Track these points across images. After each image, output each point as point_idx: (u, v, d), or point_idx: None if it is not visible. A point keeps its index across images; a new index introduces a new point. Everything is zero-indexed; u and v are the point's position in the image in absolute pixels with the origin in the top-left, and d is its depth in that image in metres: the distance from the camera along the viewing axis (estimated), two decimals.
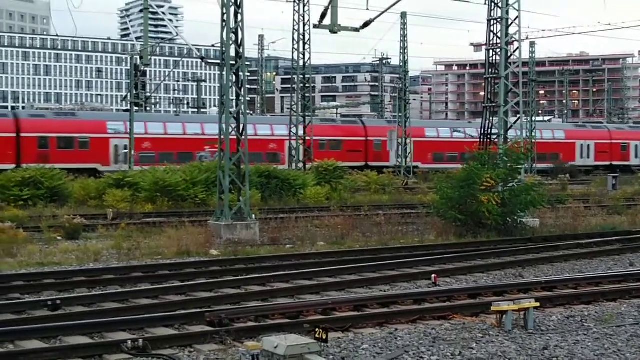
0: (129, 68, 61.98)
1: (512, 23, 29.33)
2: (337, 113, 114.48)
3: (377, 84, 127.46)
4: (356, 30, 30.91)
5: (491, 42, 29.46)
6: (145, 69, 52.64)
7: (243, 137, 25.57)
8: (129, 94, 51.55)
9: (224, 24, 25.22)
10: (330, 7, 29.65)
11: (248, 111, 34.54)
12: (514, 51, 29.79)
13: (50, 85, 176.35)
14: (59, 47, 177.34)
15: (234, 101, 26.02)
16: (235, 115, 25.63)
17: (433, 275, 17.30)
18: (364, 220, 27.77)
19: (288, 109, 60.56)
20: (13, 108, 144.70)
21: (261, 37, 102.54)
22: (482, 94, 34.07)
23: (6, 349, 11.16)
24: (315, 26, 30.81)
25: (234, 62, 25.46)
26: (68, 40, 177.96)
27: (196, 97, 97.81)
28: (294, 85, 52.80)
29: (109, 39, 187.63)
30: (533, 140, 63.08)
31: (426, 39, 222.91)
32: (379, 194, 44.21)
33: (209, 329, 12.13)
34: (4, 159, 49.46)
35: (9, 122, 54.17)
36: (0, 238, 21.64)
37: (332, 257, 20.42)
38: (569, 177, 62.42)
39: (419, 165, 63.22)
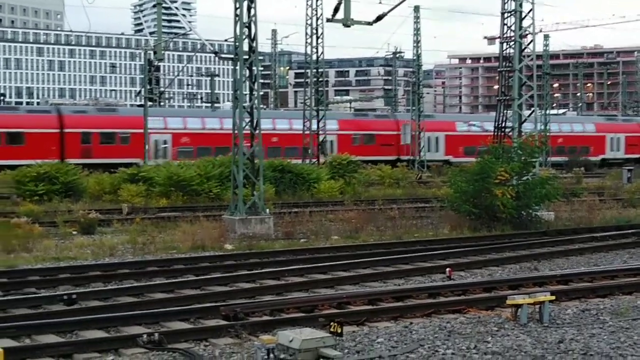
0: (142, 63, 62.12)
1: (526, 16, 29.18)
2: (350, 107, 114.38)
3: (390, 78, 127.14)
4: (369, 24, 30.87)
5: (505, 35, 29.34)
6: (159, 64, 52.75)
7: (257, 132, 25.59)
8: (142, 89, 51.68)
9: (237, 18, 25.22)
10: (343, 1, 29.60)
11: (262, 106, 34.54)
12: (528, 44, 29.65)
13: (65, 81, 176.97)
14: (73, 43, 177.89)
15: (248, 96, 26.02)
16: (249, 110, 25.65)
17: (447, 269, 17.27)
18: (378, 214, 27.75)
19: (301, 103, 60.53)
20: (28, 103, 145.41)
21: (274, 31, 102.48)
22: (496, 87, 33.97)
23: (23, 343, 11.23)
24: (328, 20, 30.78)
25: (247, 57, 25.48)
26: (82, 35, 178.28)
27: (210, 91, 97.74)
28: (307, 80, 52.77)
29: (122, 34, 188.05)
30: (561, 134, 63.65)
31: (439, 33, 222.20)
32: (393, 188, 44.15)
33: (224, 322, 12.17)
34: (49, 154, 50.31)
35: (53, 118, 55.04)
36: (16, 233, 21.75)
37: (346, 251, 20.42)
38: (583, 170, 62.16)
39: (450, 159, 63.46)
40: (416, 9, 60.87)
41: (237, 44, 25.33)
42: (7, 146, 51.60)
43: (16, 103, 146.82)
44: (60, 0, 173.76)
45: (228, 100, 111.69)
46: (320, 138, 52.28)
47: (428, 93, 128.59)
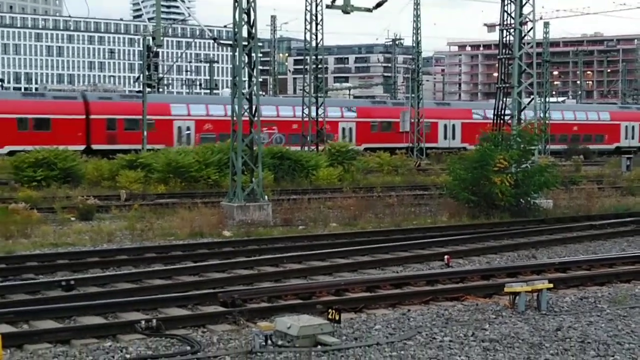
0: (141, 49, 62.01)
1: (526, 3, 29.08)
2: (349, 94, 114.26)
3: (389, 65, 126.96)
4: (369, 10, 30.83)
5: (505, 23, 29.25)
6: (158, 50, 52.58)
7: (256, 119, 25.55)
8: (141, 75, 51.60)
9: (236, 4, 25.14)
10: None
11: (261, 92, 34.40)
12: (528, 31, 29.56)
13: (63, 67, 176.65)
14: (72, 28, 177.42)
15: (247, 82, 25.97)
16: (248, 97, 25.60)
17: (446, 257, 17.29)
18: (377, 202, 27.74)
19: (300, 90, 60.56)
20: (26, 89, 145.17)
21: (273, 17, 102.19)
22: (495, 74, 33.91)
23: (21, 329, 11.24)
24: (327, 6, 30.79)
25: (246, 43, 25.41)
26: (80, 21, 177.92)
27: (208, 78, 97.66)
28: (306, 66, 52.66)
29: (121, 20, 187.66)
30: (576, 122, 64.44)
31: (439, 20, 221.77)
32: (392, 175, 44.17)
33: (222, 309, 12.17)
34: (75, 140, 51.11)
35: (80, 104, 55.39)
36: (14, 219, 21.73)
37: (344, 238, 20.42)
38: (582, 158, 62.23)
39: (467, 147, 63.88)
40: None
41: (236, 30, 25.26)
42: (34, 132, 51.92)
43: (14, 88, 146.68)
44: None
45: (227, 87, 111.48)
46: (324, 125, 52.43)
47: (427, 80, 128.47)
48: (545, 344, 10.43)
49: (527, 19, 29.43)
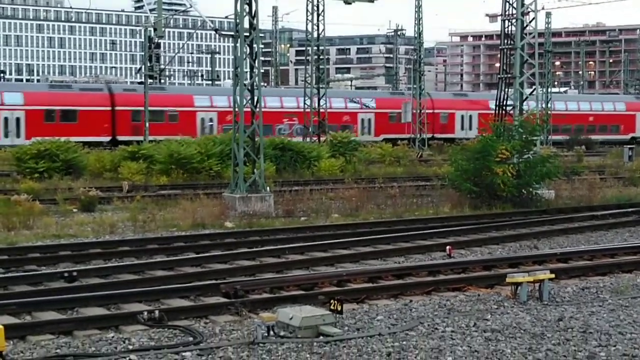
0: (142, 40, 62.02)
1: None
2: (351, 85, 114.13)
3: (391, 55, 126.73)
4: (370, 1, 30.73)
5: (507, 13, 29.18)
6: (159, 41, 52.67)
7: (257, 110, 25.53)
8: (143, 66, 51.58)
9: None
10: None
11: (263, 83, 34.38)
12: (530, 21, 29.48)
13: (65, 58, 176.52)
14: (73, 20, 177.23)
15: (248, 73, 25.94)
16: (249, 88, 25.58)
17: (448, 247, 17.29)
18: (379, 192, 27.75)
19: (302, 80, 60.59)
20: (28, 81, 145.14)
21: (275, 8, 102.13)
22: (497, 65, 33.82)
23: (23, 320, 11.27)
24: None
25: (247, 34, 25.37)
26: (82, 12, 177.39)
27: (210, 69, 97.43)
28: (308, 57, 52.60)
29: (122, 11, 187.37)
30: (592, 112, 68.75)
31: (441, 10, 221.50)
32: (394, 166, 44.15)
33: (224, 300, 12.19)
34: (101, 132, 51.77)
35: (105, 96, 55.96)
36: (16, 210, 21.76)
37: (346, 229, 20.44)
38: (584, 149, 62.22)
39: None
40: None
41: (237, 21, 25.21)
42: (61, 123, 52.48)
43: (16, 80, 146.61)
44: None
45: (228, 78, 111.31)
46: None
47: (429, 71, 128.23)
48: (547, 334, 10.45)
49: (529, 9, 29.35)
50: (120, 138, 53.08)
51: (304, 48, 60.67)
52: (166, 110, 56.29)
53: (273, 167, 35.35)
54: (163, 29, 49.64)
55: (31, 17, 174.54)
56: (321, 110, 50.48)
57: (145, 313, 11.05)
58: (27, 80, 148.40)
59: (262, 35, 41.08)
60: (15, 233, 19.65)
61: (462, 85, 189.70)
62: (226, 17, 45.73)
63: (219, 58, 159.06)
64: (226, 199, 24.91)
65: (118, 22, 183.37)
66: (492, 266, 15.30)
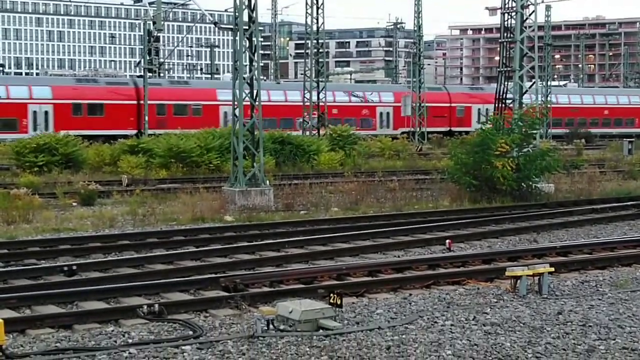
0: (142, 34, 61.99)
1: None
2: (350, 79, 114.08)
3: (391, 49, 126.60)
4: None
5: (506, 6, 29.15)
6: (159, 34, 52.69)
7: (257, 103, 25.51)
8: (142, 60, 51.58)
9: None
10: None
11: (262, 77, 34.39)
12: (530, 15, 29.45)
13: (64, 51, 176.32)
14: (72, 13, 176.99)
15: (247, 67, 25.91)
16: (248, 81, 25.56)
17: (447, 241, 17.29)
18: (378, 186, 27.75)
19: (302, 74, 60.59)
20: (27, 74, 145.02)
21: (274, 1, 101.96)
22: (497, 58, 33.81)
23: (23, 314, 11.27)
24: None
25: (247, 27, 25.34)
26: (81, 5, 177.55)
27: (209, 62, 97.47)
28: (307, 51, 52.55)
29: (122, 4, 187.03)
30: (607, 106, 72.03)
31: (440, 3, 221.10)
32: (393, 160, 44.17)
33: (224, 294, 12.19)
34: (127, 125, 52.55)
35: (131, 90, 56.61)
36: (15, 204, 21.76)
37: (346, 222, 20.43)
38: (584, 142, 62.26)
39: None
40: None
41: (236, 14, 25.18)
42: (88, 117, 53.55)
43: (15, 74, 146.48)
44: None
45: (228, 72, 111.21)
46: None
47: (429, 64, 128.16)
48: (546, 328, 10.46)
49: (529, 2, 29.32)
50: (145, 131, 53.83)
51: (303, 41, 60.68)
52: (190, 104, 57.22)
53: (273, 161, 35.36)
54: (162, 23, 49.68)
55: (30, 11, 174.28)
56: (321, 104, 50.46)
57: (145, 307, 11.05)
58: (27, 73, 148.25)
59: (261, 28, 41.05)
60: (15, 227, 19.65)
61: (461, 79, 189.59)
62: (225, 11, 45.63)
63: (219, 51, 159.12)
64: (226, 192, 24.91)
65: (117, 15, 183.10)
66: (492, 260, 15.29)
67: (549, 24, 72.25)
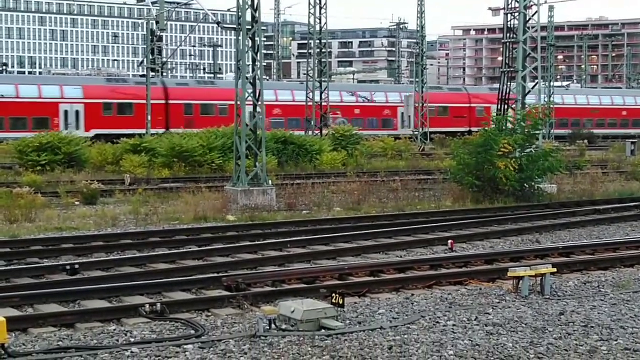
0: (145, 33, 62.05)
1: None
2: (353, 79, 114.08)
3: (393, 49, 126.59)
4: None
5: (509, 6, 29.15)
6: (161, 34, 52.63)
7: (259, 103, 25.52)
8: (145, 59, 51.63)
9: None
10: None
11: (265, 77, 34.47)
12: (532, 15, 29.45)
13: (67, 50, 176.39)
14: (75, 12, 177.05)
15: (250, 66, 25.92)
16: (251, 81, 25.56)
17: (449, 241, 17.29)
18: (380, 186, 27.75)
19: (304, 74, 60.65)
20: (30, 73, 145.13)
21: (277, 1, 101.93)
22: (499, 58, 33.79)
23: (25, 313, 11.28)
24: None
25: (249, 27, 25.34)
26: (84, 4, 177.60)
27: (212, 62, 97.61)
28: (310, 51, 52.57)
29: (124, 3, 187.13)
30: (625, 107, 74.14)
31: (443, 3, 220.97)
32: (396, 160, 44.16)
33: (226, 293, 12.20)
34: (156, 124, 53.05)
35: (160, 89, 57.36)
36: (18, 203, 21.78)
37: (348, 222, 20.43)
38: (586, 143, 62.24)
39: None
40: None
41: (239, 13, 25.19)
42: (118, 116, 54.77)
43: (18, 72, 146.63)
44: None
45: (230, 71, 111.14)
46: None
47: (431, 64, 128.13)
48: (548, 328, 10.45)
49: (532, 3, 29.32)
50: (173, 130, 54.24)
51: (306, 41, 60.73)
52: (216, 103, 58.02)
53: (275, 161, 35.38)
54: (165, 22, 49.65)
55: (33, 10, 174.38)
56: (323, 103, 50.47)
57: (147, 306, 11.06)
58: (29, 72, 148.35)
59: (264, 28, 41.05)
60: (18, 225, 19.67)
61: (464, 79, 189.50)
62: (228, 10, 45.76)
63: (221, 51, 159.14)
64: (228, 192, 24.92)
65: (120, 14, 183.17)
66: (494, 260, 15.29)
67: (552, 24, 72.29)
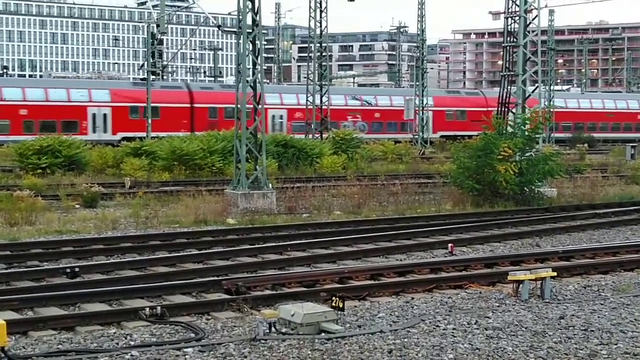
0: (145, 36, 62.12)
1: None
2: (353, 82, 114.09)
3: (394, 52, 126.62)
4: None
5: (510, 10, 29.16)
6: (162, 37, 52.73)
7: (260, 106, 25.53)
8: (145, 63, 51.67)
9: None
10: None
11: (265, 80, 34.50)
12: (533, 19, 29.46)
13: (67, 54, 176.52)
14: (76, 15, 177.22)
15: (251, 70, 25.94)
16: (252, 84, 25.58)
17: (449, 245, 17.27)
18: (381, 190, 27.75)
19: (305, 77, 60.75)
20: (31, 76, 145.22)
21: (278, 5, 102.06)
22: (500, 62, 33.80)
23: (25, 316, 11.28)
24: None
25: (250, 31, 25.36)
26: (85, 8, 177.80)
27: (212, 65, 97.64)
28: (310, 54, 52.60)
29: (125, 7, 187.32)
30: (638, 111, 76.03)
31: (444, 7, 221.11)
32: (396, 164, 44.14)
33: (226, 296, 12.20)
34: (181, 127, 53.90)
35: (185, 93, 58.59)
36: (18, 206, 21.77)
37: (348, 226, 20.44)
38: (587, 147, 62.24)
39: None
40: None
41: (240, 17, 25.22)
42: (144, 119, 55.19)
43: (19, 76, 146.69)
44: None
45: (231, 75, 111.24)
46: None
47: (432, 68, 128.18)
48: (548, 332, 10.45)
49: (532, 7, 29.33)
50: (198, 134, 54.52)
51: (306, 45, 60.85)
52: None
53: (275, 164, 35.37)
54: (166, 25, 49.76)
55: (34, 13, 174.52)
56: (324, 107, 50.50)
57: (147, 309, 11.06)
58: (30, 76, 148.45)
59: (264, 31, 41.09)
60: (18, 229, 19.66)
61: (464, 83, 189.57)
62: (229, 14, 45.71)
63: (222, 54, 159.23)
64: (228, 195, 24.92)
65: (121, 18, 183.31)
66: (494, 264, 15.30)
67: (552, 28, 72.34)
